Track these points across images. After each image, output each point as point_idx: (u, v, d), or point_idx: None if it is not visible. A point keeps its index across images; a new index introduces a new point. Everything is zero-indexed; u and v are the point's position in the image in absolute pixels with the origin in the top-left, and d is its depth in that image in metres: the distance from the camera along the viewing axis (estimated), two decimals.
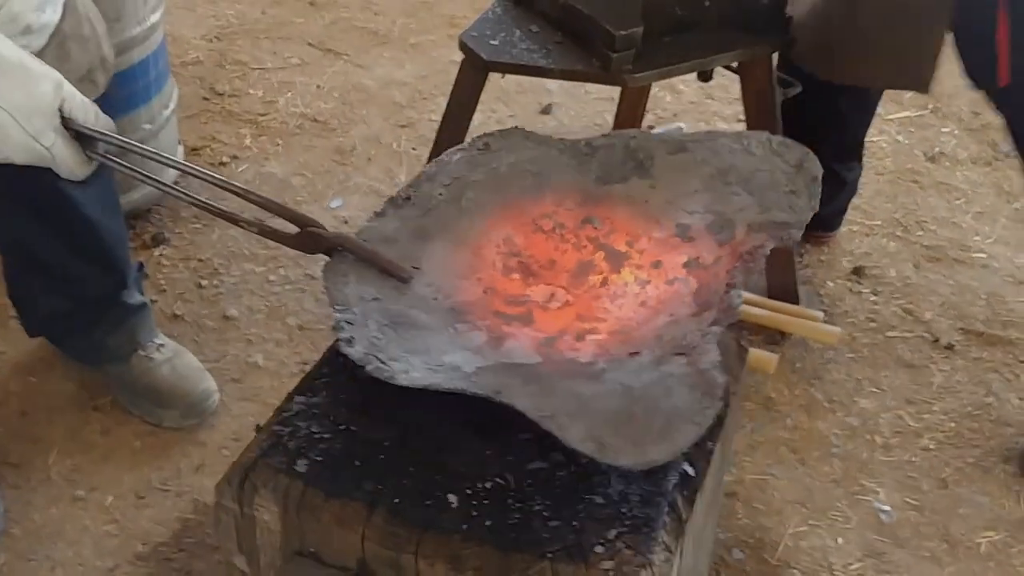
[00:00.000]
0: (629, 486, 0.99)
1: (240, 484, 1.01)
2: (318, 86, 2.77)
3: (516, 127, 1.40)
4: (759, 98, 1.88)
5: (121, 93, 2.00)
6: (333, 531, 0.98)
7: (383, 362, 1.02)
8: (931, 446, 1.90)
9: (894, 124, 2.78)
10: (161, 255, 2.17)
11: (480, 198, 1.27)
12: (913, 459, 1.89)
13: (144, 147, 1.16)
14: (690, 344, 1.03)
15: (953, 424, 1.94)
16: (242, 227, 1.16)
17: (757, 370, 1.87)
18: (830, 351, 2.06)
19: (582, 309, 1.17)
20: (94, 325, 1.75)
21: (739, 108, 2.55)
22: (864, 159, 2.33)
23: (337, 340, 1.05)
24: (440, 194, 1.27)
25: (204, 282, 2.13)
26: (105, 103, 1.93)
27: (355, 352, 1.03)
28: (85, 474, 1.73)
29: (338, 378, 1.10)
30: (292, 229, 1.17)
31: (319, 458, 1.02)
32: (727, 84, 2.81)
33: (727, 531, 1.71)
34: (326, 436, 1.04)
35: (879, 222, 2.41)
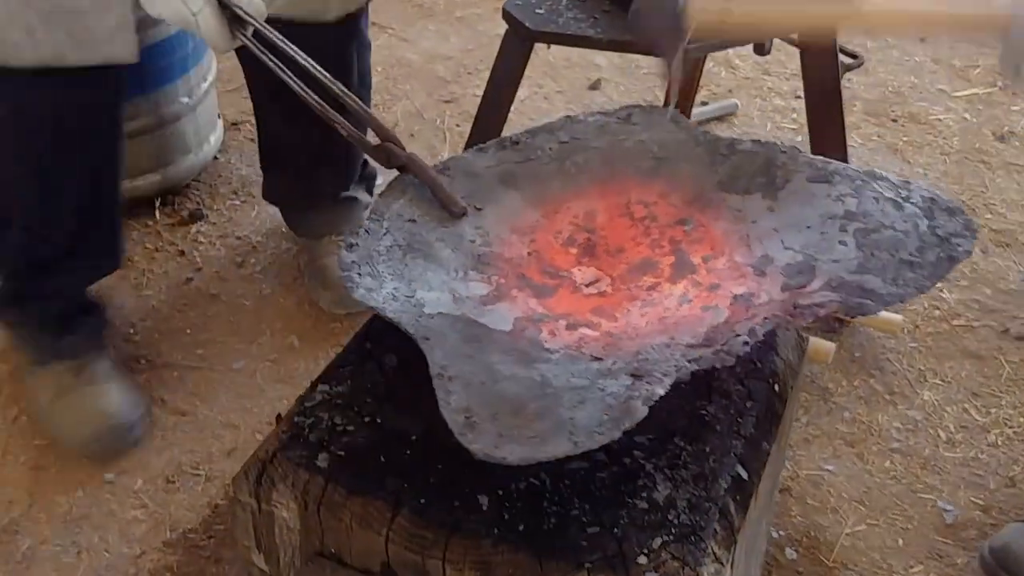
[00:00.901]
0: (677, 490, 0.92)
1: (257, 478, 0.95)
2: None
3: (670, 107, 1.29)
4: (821, 73, 1.77)
5: (158, 65, 1.96)
6: (355, 531, 0.92)
7: (359, 274, 1.01)
8: (999, 442, 1.79)
9: (961, 101, 2.67)
10: (198, 232, 2.12)
11: (587, 165, 1.20)
12: (979, 455, 1.77)
13: (289, 44, 1.16)
14: (651, 370, 0.94)
15: (1023, 419, 1.82)
16: (336, 127, 1.16)
17: (814, 359, 1.78)
18: (891, 340, 1.95)
19: (608, 304, 1.10)
20: (309, 207, 1.93)
21: (797, 84, 2.45)
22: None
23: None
24: (550, 148, 1.23)
25: (241, 259, 2.07)
26: (142, 75, 1.92)
27: (345, 257, 1.03)
28: (114, 455, 1.68)
29: (364, 366, 1.04)
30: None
31: (341, 452, 0.96)
32: (784, 59, 2.72)
33: (780, 529, 1.63)
34: (349, 428, 0.97)
35: None
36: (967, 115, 2.60)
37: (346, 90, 1.16)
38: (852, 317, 1.01)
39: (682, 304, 1.08)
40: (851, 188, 1.15)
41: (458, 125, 2.47)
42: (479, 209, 1.15)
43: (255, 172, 2.06)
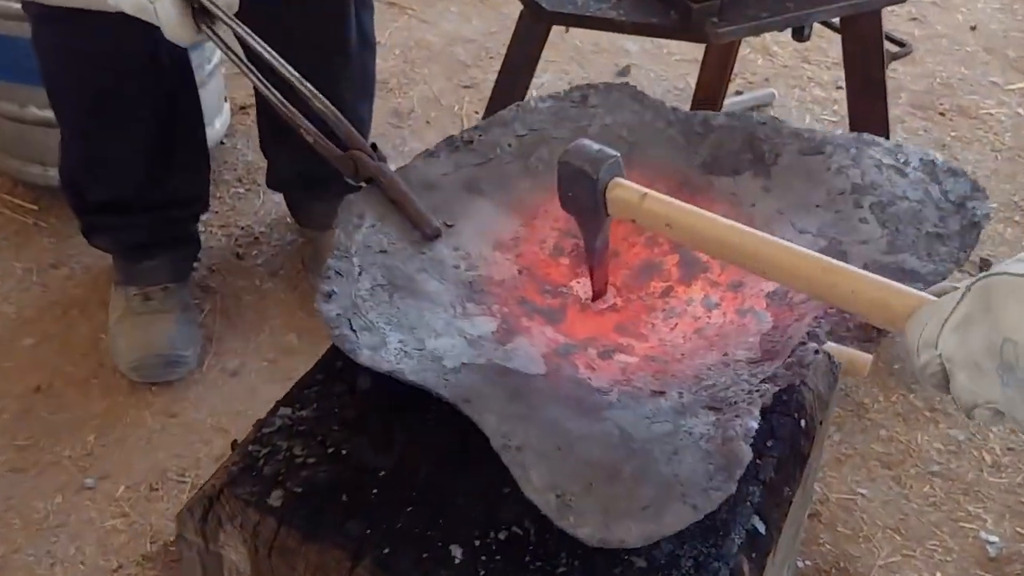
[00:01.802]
0: (681, 546, 0.79)
1: (203, 516, 0.84)
2: (379, 42, 2.59)
3: (626, 83, 1.19)
4: (865, 61, 1.64)
5: None
6: None
7: (353, 329, 0.89)
8: None
9: (1015, 94, 2.57)
10: (199, 220, 2.02)
11: (554, 159, 1.09)
12: None
13: (257, 40, 1.09)
14: (730, 399, 0.85)
15: None
16: (301, 133, 1.09)
17: (849, 373, 1.65)
18: None
19: (627, 318, 1.00)
20: (314, 195, 1.86)
21: (839, 74, 2.33)
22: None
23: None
24: (509, 145, 1.13)
25: (243, 251, 1.97)
26: None
27: (328, 310, 0.91)
28: (97, 459, 1.61)
29: (332, 387, 0.93)
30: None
31: (298, 489, 0.85)
32: (825, 46, 2.60)
33: (807, 558, 1.52)
34: (310, 461, 0.87)
35: (995, 205, 2.19)
36: (1021, 109, 2.48)
37: (313, 90, 1.08)
38: None
39: (711, 309, 1.00)
40: (848, 158, 1.08)
41: (477, 112, 2.37)
42: (450, 225, 1.04)
43: (262, 159, 1.96)
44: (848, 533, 1.58)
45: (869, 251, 0.99)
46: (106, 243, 1.80)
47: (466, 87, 2.48)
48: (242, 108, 2.33)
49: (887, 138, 1.80)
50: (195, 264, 1.90)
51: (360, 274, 0.95)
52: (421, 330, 0.91)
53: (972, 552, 1.56)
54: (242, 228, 2.05)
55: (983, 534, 1.58)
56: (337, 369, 0.93)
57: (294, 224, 2.00)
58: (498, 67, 2.50)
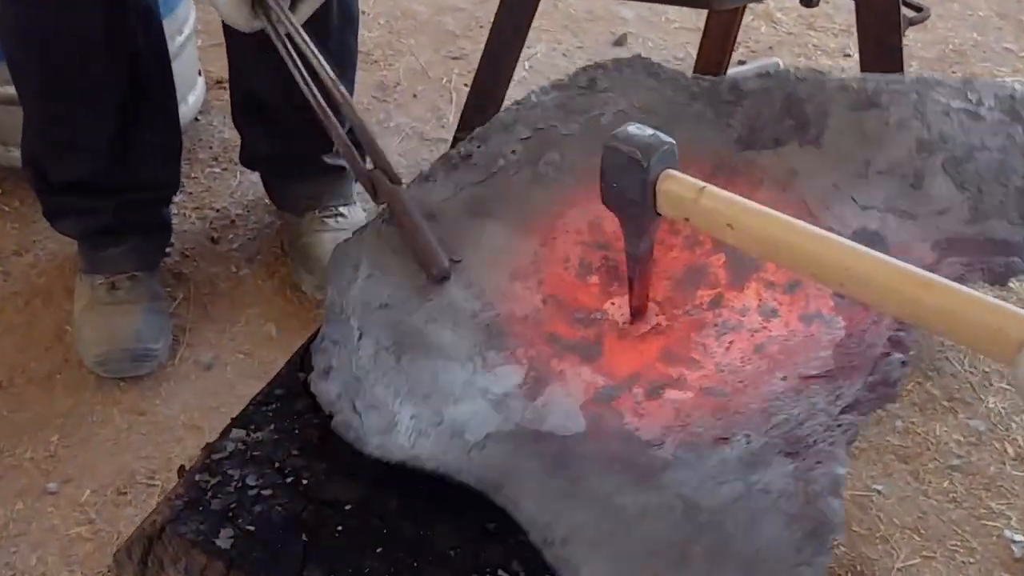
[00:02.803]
0: None
1: (143, 558, 0.74)
2: (363, 12, 2.47)
3: (638, 55, 1.07)
4: (880, 27, 1.53)
5: None
6: None
7: (356, 410, 0.79)
8: None
9: None
10: (172, 203, 1.91)
11: (566, 161, 0.99)
12: None
13: (304, 37, 1.09)
14: (807, 439, 0.73)
15: None
16: (334, 143, 1.06)
17: None
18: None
19: (674, 341, 0.88)
20: (292, 175, 1.79)
21: (846, 41, 2.23)
22: None
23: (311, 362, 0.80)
24: (513, 152, 1.01)
25: (218, 235, 1.87)
26: None
27: (326, 392, 0.81)
28: (60, 461, 1.52)
29: (293, 404, 0.82)
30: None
31: (251, 527, 0.76)
32: (832, 12, 2.49)
33: None
34: (265, 492, 0.78)
35: None
36: None
37: (347, 95, 1.06)
38: (1000, 285, 0.79)
39: (770, 319, 0.88)
40: (910, 106, 0.95)
41: (466, 85, 2.27)
42: (457, 261, 0.92)
43: (239, 136, 1.85)
44: (864, 533, 1.49)
45: (949, 222, 0.86)
46: (70, 228, 1.71)
47: (455, 58, 2.38)
48: (218, 82, 2.22)
49: None
50: (167, 250, 1.79)
51: (360, 338, 0.84)
52: (437, 397, 0.81)
53: (996, 552, 1.49)
54: (217, 210, 1.95)
55: (1008, 532, 1.50)
56: (302, 383, 0.83)
57: (272, 206, 1.89)
58: None
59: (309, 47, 1.07)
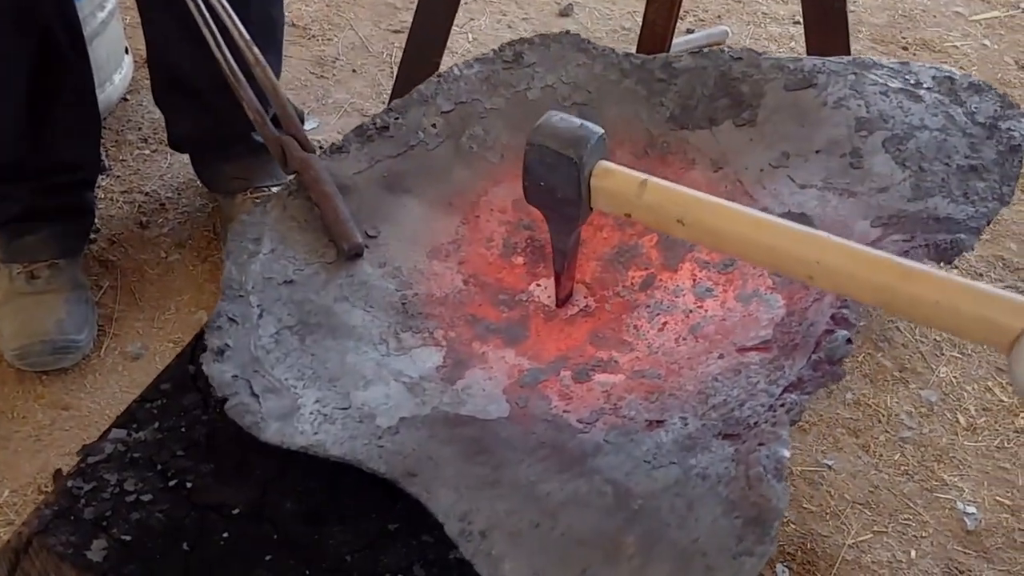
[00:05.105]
0: None
1: (9, 573, 0.68)
2: None
3: (567, 32, 1.03)
4: None
5: None
6: None
7: (255, 393, 0.73)
8: None
9: (979, 26, 2.48)
10: (98, 187, 1.85)
11: (491, 137, 0.96)
12: (1005, 444, 1.54)
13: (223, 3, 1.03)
14: (748, 420, 0.69)
15: None
16: (244, 108, 0.99)
17: None
18: None
19: (604, 324, 0.84)
20: (220, 155, 1.72)
21: (796, 8, 2.18)
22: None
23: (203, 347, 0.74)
24: (433, 126, 0.97)
25: (147, 219, 1.80)
26: None
27: (220, 372, 0.75)
28: None
29: (180, 399, 0.76)
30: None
31: (126, 536, 0.70)
32: None
33: None
34: (144, 498, 0.72)
35: None
36: (986, 41, 2.41)
37: (259, 56, 0.98)
38: (946, 263, 0.76)
39: (705, 299, 0.85)
40: (846, 86, 0.94)
41: None
42: (373, 236, 0.87)
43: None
44: (814, 510, 1.47)
45: (891, 200, 0.84)
46: None
47: (396, 32, 2.32)
48: (147, 61, 2.14)
49: None
50: (92, 236, 1.72)
51: (260, 316, 0.78)
52: (345, 380, 0.75)
53: (948, 525, 1.46)
54: (146, 194, 1.88)
55: (960, 505, 1.48)
56: (191, 376, 0.77)
57: (204, 188, 1.82)
58: None
59: (223, 6, 1.01)
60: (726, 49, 1.00)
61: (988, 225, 0.83)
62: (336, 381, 0.75)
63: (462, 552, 0.64)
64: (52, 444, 1.48)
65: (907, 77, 0.93)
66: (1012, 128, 0.86)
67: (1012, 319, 0.60)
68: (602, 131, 0.77)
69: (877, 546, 1.42)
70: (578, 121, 0.77)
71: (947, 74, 0.92)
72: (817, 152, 0.89)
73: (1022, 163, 0.85)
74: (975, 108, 0.89)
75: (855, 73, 0.94)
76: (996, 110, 0.89)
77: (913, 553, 1.42)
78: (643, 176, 0.74)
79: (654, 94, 0.97)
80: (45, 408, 1.52)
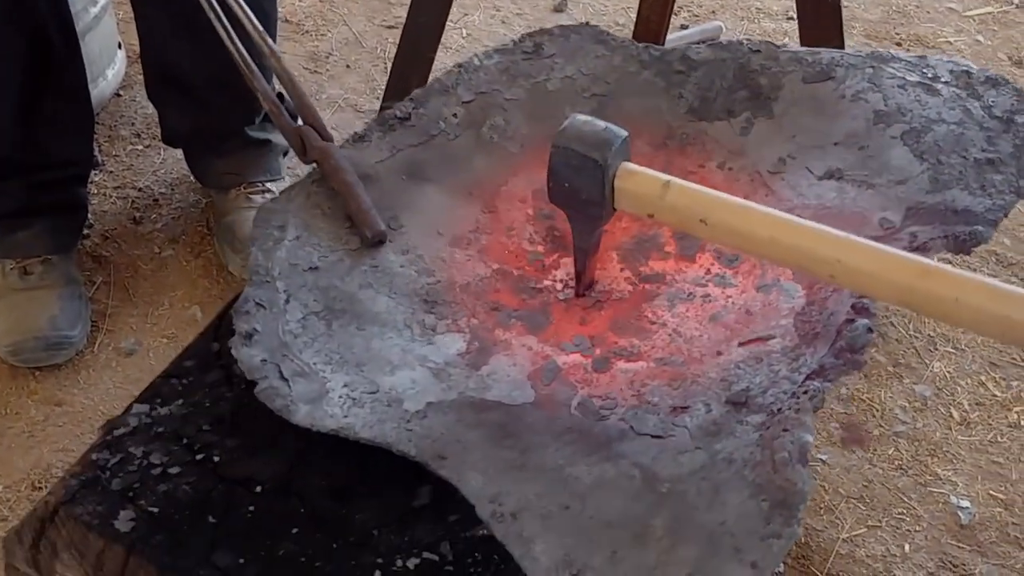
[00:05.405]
0: None
1: (34, 542, 0.69)
2: None
3: (587, 23, 1.04)
4: None
5: None
6: None
7: (284, 377, 0.73)
8: (1021, 421, 1.57)
9: (973, 21, 2.47)
10: (91, 182, 1.84)
11: (511, 127, 0.97)
12: (999, 438, 1.55)
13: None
14: (771, 406, 0.70)
15: None
16: (259, 99, 1.00)
17: None
18: None
19: (625, 312, 0.85)
20: (214, 151, 1.71)
21: (789, 3, 2.19)
22: None
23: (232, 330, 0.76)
24: (454, 116, 0.98)
25: (140, 215, 1.80)
26: None
27: (250, 356, 0.75)
28: None
29: (205, 376, 0.78)
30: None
31: (154, 508, 0.70)
32: None
33: None
34: (171, 471, 0.73)
35: None
36: (980, 37, 2.41)
37: (274, 47, 0.99)
38: (964, 253, 0.78)
39: (725, 288, 0.87)
40: (864, 79, 0.95)
41: None
42: (393, 228, 0.88)
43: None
44: (808, 504, 1.46)
45: (909, 192, 0.85)
46: None
47: (390, 27, 2.33)
48: (140, 56, 2.14)
49: None
50: (86, 232, 1.72)
51: (287, 302, 0.79)
52: (372, 366, 0.76)
53: (942, 519, 1.47)
54: (140, 189, 1.87)
55: (953, 499, 1.49)
56: (214, 354, 0.77)
57: (198, 184, 1.82)
58: None
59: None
60: (745, 41, 1.02)
61: (1005, 217, 0.84)
62: (363, 366, 0.76)
63: (494, 533, 0.65)
64: (45, 440, 1.48)
65: (925, 71, 0.94)
66: None
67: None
68: (626, 133, 0.79)
69: (871, 540, 1.43)
70: (602, 124, 0.79)
71: (964, 68, 0.93)
72: (835, 144, 0.90)
73: None
74: (992, 102, 0.90)
75: (873, 66, 0.95)
76: (1013, 104, 0.90)
77: (907, 547, 1.43)
78: (666, 177, 0.77)
79: (673, 86, 0.98)
80: (38, 404, 1.52)
